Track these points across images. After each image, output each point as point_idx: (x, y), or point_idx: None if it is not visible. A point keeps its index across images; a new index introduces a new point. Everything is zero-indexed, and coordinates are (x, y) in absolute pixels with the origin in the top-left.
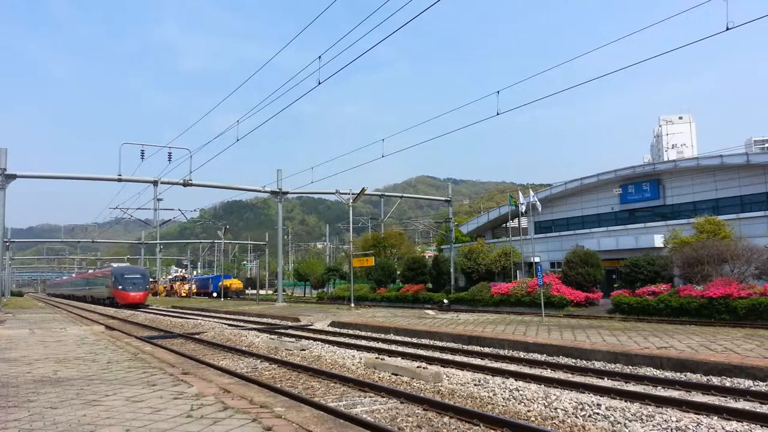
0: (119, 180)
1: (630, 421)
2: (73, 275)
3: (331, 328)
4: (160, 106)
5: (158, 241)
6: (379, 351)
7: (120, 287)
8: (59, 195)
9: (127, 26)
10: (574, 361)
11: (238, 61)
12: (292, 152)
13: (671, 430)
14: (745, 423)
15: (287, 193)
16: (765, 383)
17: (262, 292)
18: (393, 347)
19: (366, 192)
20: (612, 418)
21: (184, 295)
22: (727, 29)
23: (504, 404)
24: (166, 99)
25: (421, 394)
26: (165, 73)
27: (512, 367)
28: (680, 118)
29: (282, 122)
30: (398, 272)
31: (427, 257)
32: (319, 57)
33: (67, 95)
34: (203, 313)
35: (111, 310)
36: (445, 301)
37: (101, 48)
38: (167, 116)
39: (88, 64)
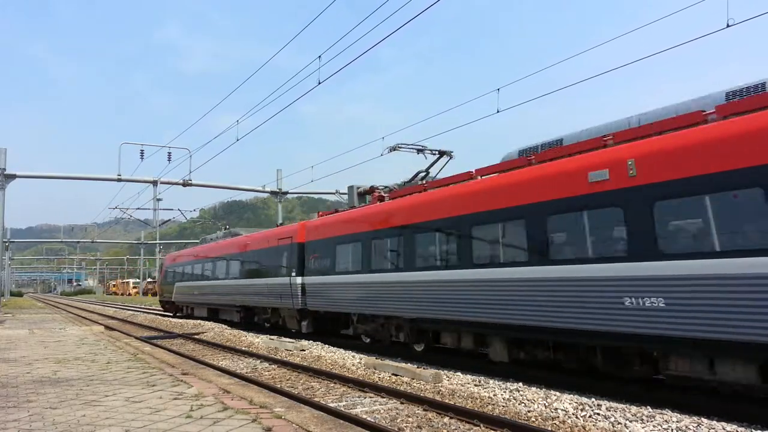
0: (119, 180)
1: (630, 421)
2: None
3: None
4: (161, 106)
5: (158, 241)
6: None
7: None
8: (59, 195)
9: (130, 28)
10: None
11: (239, 61)
12: (292, 152)
13: (672, 430)
14: (745, 423)
15: (287, 192)
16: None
17: None
18: None
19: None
20: (612, 419)
21: None
22: (728, 26)
23: (504, 404)
24: (167, 99)
25: (422, 395)
26: (166, 74)
27: None
28: None
29: (282, 122)
30: None
31: None
32: (319, 57)
33: (67, 95)
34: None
35: (110, 310)
36: None
37: (103, 49)
38: (167, 116)
39: (89, 65)
